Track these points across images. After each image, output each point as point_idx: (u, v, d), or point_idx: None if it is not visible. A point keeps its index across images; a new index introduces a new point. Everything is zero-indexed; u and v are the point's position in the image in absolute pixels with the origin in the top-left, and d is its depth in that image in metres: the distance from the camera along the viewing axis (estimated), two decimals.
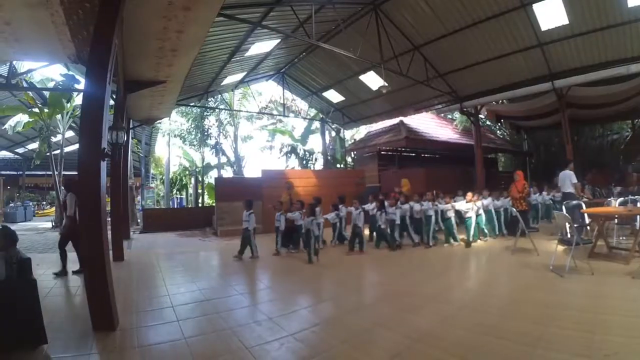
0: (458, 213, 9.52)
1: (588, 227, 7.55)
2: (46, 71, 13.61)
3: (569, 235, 6.47)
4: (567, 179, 9.74)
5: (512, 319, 4.09)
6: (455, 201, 9.80)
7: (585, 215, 7.26)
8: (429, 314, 4.55)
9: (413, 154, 21.57)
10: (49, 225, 16.53)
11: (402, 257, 8.23)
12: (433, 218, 9.46)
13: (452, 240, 9.36)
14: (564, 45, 11.18)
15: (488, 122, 23.11)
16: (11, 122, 16.12)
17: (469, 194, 9.59)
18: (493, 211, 10.12)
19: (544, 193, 12.74)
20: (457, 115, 21.28)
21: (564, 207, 7.57)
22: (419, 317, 4.40)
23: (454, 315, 4.43)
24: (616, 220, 7.69)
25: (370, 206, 9.52)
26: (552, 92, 12.84)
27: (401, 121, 18.72)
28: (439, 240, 9.44)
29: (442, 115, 22.18)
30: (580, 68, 11.64)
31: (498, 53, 12.35)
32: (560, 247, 6.58)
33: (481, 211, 9.67)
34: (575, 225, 6.29)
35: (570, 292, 5.01)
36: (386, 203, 9.33)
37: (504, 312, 4.37)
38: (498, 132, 24.83)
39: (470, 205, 9.29)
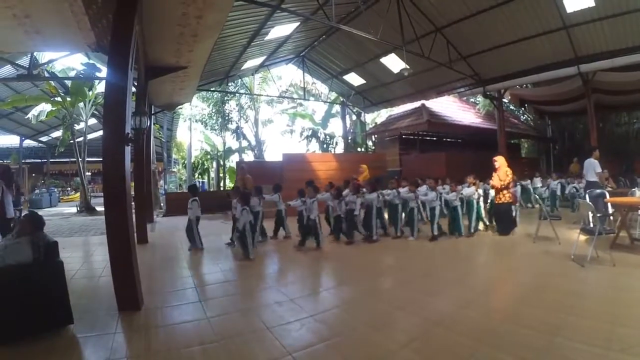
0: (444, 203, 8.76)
1: (611, 217, 7.37)
2: (67, 61, 13.92)
3: (591, 225, 6.34)
4: (591, 167, 9.48)
5: (532, 307, 4.05)
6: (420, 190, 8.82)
7: (609, 205, 7.08)
8: (448, 298, 4.56)
9: (435, 138, 21.45)
10: (74, 210, 16.96)
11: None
12: (400, 207, 8.76)
13: (409, 233, 8.41)
14: (590, 28, 10.84)
15: (511, 107, 22.73)
16: (34, 111, 16.42)
17: (431, 181, 8.85)
18: (474, 202, 8.67)
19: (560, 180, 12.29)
20: (480, 99, 20.92)
21: (587, 196, 7.41)
22: (438, 301, 4.42)
23: (474, 301, 4.42)
24: None
25: (324, 195, 8.81)
26: (577, 76, 12.53)
27: (423, 105, 18.54)
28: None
29: (465, 99, 21.83)
30: (607, 52, 11.30)
31: (522, 35, 12.04)
32: (583, 237, 6.44)
33: (457, 202, 8.50)
34: (598, 215, 6.14)
35: (591, 283, 4.94)
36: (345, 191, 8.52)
37: (523, 299, 4.34)
38: (522, 117, 24.39)
39: (434, 195, 8.33)
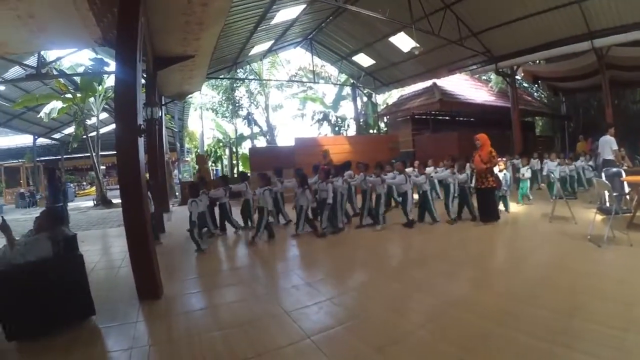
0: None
1: (627, 197, 7.20)
2: (75, 57, 13.85)
3: (607, 204, 6.21)
4: (607, 145, 9.21)
5: (548, 288, 4.02)
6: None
7: (625, 183, 6.92)
8: (463, 280, 4.58)
9: (447, 118, 21.19)
10: (91, 204, 17.22)
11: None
12: (368, 194, 7.98)
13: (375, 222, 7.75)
14: (603, 1, 10.49)
15: (525, 84, 22.36)
16: (46, 109, 16.52)
17: (399, 164, 8.10)
18: (452, 186, 7.96)
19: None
20: (492, 76, 20.59)
21: (603, 175, 7.25)
22: (453, 283, 4.43)
23: (490, 282, 4.44)
24: None
25: (289, 183, 8.30)
26: (591, 52, 12.13)
27: (434, 83, 18.23)
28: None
29: (477, 76, 21.50)
30: (621, 27, 10.90)
31: (534, 10, 11.68)
32: (599, 217, 6.32)
33: (427, 186, 7.82)
34: (614, 194, 5.99)
35: (608, 263, 4.85)
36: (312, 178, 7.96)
37: (539, 280, 4.30)
38: (535, 94, 23.97)
39: (403, 178, 7.65)
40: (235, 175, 21.08)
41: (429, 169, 9.65)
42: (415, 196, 8.15)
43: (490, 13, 12.60)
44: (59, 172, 10.32)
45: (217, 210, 8.24)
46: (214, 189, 8.04)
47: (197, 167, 9.57)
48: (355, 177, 8.37)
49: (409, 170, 8.51)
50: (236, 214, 8.37)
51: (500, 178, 8.03)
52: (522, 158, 10.37)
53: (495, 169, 7.75)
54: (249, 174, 8.87)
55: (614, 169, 7.43)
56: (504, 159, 9.70)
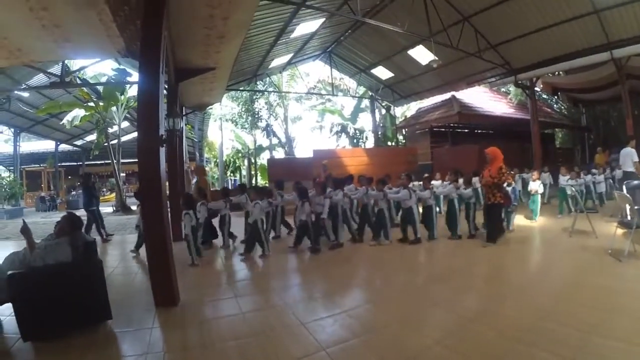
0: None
1: None
2: (98, 67, 14.24)
3: (628, 218, 6.06)
4: (628, 157, 9.06)
5: (567, 303, 3.95)
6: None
7: None
8: (481, 295, 4.53)
9: (466, 130, 21.07)
10: (110, 210, 17.40)
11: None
12: (369, 208, 7.80)
13: (381, 238, 7.46)
14: (621, 11, 10.42)
15: (544, 96, 22.16)
16: (68, 117, 16.88)
17: (404, 178, 7.63)
18: (456, 202, 7.61)
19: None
20: (511, 88, 20.44)
21: (624, 187, 7.10)
22: (471, 298, 4.38)
23: (509, 298, 4.36)
24: None
25: (289, 197, 8.18)
26: (610, 62, 12.06)
27: (453, 96, 18.22)
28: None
29: (496, 88, 21.36)
30: None
31: (552, 21, 11.68)
32: (620, 230, 6.19)
33: (432, 201, 7.56)
34: (636, 207, 5.85)
35: (629, 278, 4.72)
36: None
37: (559, 296, 4.23)
38: (555, 105, 23.73)
39: (406, 193, 7.29)
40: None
41: (435, 183, 9.53)
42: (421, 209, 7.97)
43: (509, 25, 12.61)
44: (94, 178, 10.54)
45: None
46: (214, 201, 7.97)
47: (195, 177, 9.42)
48: (357, 191, 8.13)
49: (415, 184, 8.28)
50: (237, 224, 8.25)
51: (509, 192, 7.60)
52: (533, 172, 10.01)
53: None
54: (246, 185, 8.67)
55: (635, 182, 7.28)
56: (512, 172, 9.36)
